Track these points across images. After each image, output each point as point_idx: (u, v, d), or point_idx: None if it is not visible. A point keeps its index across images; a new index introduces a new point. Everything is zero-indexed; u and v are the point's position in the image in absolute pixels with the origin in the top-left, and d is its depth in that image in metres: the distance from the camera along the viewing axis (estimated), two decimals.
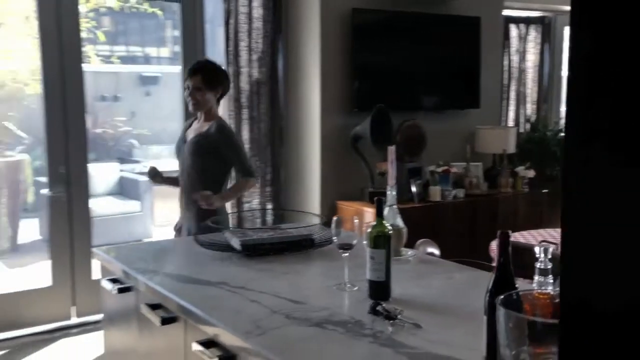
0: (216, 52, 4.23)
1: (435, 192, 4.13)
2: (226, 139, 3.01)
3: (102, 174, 6.70)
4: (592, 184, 0.72)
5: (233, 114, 4.09)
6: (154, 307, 1.88)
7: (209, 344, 1.58)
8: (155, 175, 3.11)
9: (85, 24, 5.56)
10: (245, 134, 4.15)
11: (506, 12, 5.16)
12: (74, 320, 3.97)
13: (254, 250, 2.15)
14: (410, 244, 2.31)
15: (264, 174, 4.23)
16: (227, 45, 4.04)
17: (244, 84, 4.12)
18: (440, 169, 4.23)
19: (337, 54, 4.11)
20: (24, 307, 3.88)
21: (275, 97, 4.22)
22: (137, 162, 7.27)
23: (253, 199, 4.23)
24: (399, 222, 2.12)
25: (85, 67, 3.99)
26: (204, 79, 2.98)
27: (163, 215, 6.31)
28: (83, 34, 4.21)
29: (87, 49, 5.42)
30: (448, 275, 2.01)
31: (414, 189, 4.05)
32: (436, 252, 2.82)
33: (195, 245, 2.25)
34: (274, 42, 4.18)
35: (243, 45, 4.08)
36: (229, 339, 1.53)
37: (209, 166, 3.00)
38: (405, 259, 2.13)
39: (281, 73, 4.23)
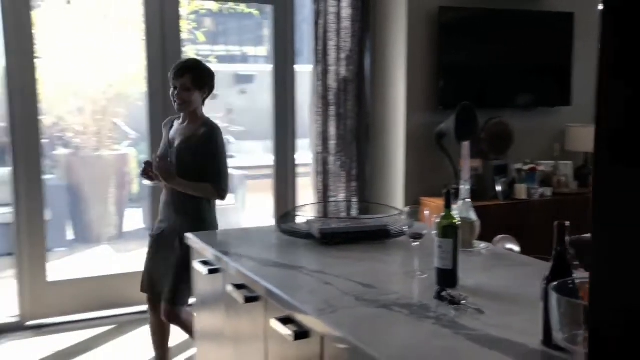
0: (307, 51, 4.40)
1: (521, 190, 4.10)
2: (214, 147, 2.90)
3: None
4: (598, 183, 0.77)
5: (320, 111, 4.25)
6: (238, 287, 2.05)
7: (286, 320, 1.73)
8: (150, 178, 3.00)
9: (186, 26, 5.90)
10: (332, 131, 4.29)
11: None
12: None
13: (332, 239, 2.27)
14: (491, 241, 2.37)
15: (350, 170, 4.35)
16: (316, 45, 4.20)
17: (332, 81, 4.25)
18: (526, 167, 4.19)
19: (423, 52, 4.17)
20: (128, 288, 4.21)
21: (362, 94, 4.33)
22: (232, 157, 7.59)
23: (339, 194, 4.36)
24: (472, 215, 2.18)
25: None
26: (193, 78, 2.88)
27: (255, 208, 6.59)
28: (184, 35, 4.50)
29: (188, 50, 5.75)
30: (520, 267, 2.05)
31: (499, 187, 4.04)
32: (515, 248, 2.83)
33: (277, 232, 2.41)
34: (361, 40, 4.29)
35: (332, 44, 4.22)
36: (303, 316, 1.66)
37: (198, 171, 2.91)
38: (478, 251, 2.18)
39: (368, 71, 4.34)
